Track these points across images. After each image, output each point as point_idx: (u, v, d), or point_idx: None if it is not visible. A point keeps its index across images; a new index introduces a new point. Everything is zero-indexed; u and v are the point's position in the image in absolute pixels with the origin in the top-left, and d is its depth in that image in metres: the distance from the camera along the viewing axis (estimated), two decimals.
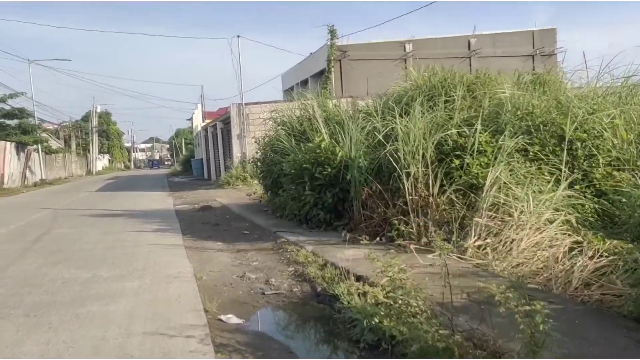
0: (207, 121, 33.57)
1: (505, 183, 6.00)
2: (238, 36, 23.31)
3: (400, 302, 3.33)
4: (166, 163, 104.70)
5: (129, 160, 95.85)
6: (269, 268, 6.44)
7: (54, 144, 47.07)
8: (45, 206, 16.43)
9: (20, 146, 35.14)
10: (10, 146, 33.43)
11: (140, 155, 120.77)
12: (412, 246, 5.72)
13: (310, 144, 8.69)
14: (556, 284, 4.53)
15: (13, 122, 36.56)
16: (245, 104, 20.92)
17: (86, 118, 66.80)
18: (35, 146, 37.20)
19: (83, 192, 23.60)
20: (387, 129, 7.73)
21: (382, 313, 3.45)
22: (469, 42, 33.01)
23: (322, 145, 8.48)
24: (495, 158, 6.38)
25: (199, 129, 35.47)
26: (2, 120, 35.40)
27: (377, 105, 8.81)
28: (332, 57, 25.09)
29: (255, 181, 19.23)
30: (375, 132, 8.28)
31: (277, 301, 5.20)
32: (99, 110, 69.82)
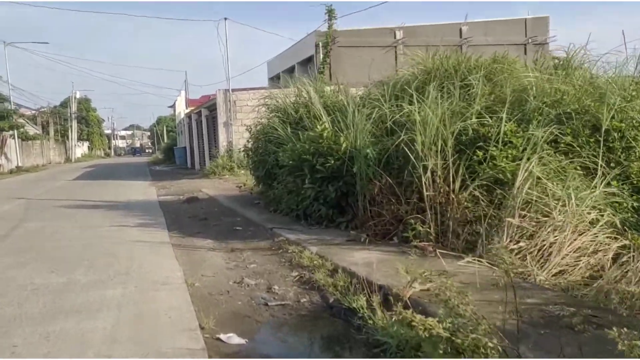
0: (191, 108, 32.50)
1: (538, 178, 5.33)
2: (225, 19, 22.35)
3: (469, 339, 2.60)
4: (147, 151, 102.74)
5: (109, 148, 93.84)
6: (270, 272, 5.69)
7: (32, 130, 45.50)
8: (19, 195, 15.42)
9: None
10: None
11: (121, 143, 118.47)
12: (437, 250, 5.02)
13: (311, 133, 7.94)
14: (614, 299, 3.88)
15: None
16: (233, 91, 20.03)
17: (65, 104, 64.93)
18: (11, 132, 35.78)
19: (60, 181, 22.52)
20: (398, 115, 7.01)
21: (436, 345, 2.73)
22: (460, 30, 32.42)
23: (325, 135, 7.73)
24: (524, 150, 5.71)
25: (182, 116, 34.38)
26: None
27: (384, 91, 8.07)
28: (330, 39, 24.07)
29: (243, 171, 18.44)
30: (382, 121, 7.58)
31: (283, 314, 4.46)
32: (78, 96, 67.91)
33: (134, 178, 22.81)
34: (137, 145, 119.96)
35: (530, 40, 31.37)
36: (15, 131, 35.91)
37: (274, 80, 38.00)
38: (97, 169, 34.86)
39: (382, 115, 7.58)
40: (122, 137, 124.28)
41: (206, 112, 23.34)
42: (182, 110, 36.36)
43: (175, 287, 5.08)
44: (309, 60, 33.42)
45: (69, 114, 62.20)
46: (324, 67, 21.69)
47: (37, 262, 6.26)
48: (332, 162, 7.43)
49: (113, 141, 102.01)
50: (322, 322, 4.29)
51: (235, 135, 19.94)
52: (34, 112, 53.71)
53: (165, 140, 70.85)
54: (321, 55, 30.89)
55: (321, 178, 7.59)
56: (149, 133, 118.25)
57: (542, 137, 5.71)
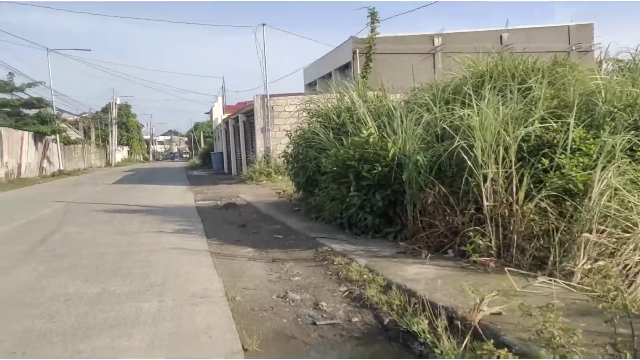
0: (228, 114, 32.56)
1: (617, 190, 4.77)
2: (263, 24, 22.13)
3: None
4: (184, 156, 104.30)
5: (148, 153, 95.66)
6: (316, 286, 5.29)
7: (73, 134, 46.59)
8: (59, 199, 15.51)
9: (38, 136, 34.53)
10: (27, 136, 32.81)
11: (159, 148, 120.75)
12: (504, 268, 4.51)
13: (356, 138, 7.52)
14: None
15: (31, 112, 36.02)
16: (270, 96, 19.81)
17: (106, 110, 66.49)
18: (53, 136, 36.60)
19: (100, 185, 22.74)
20: (451, 120, 6.53)
21: None
22: (501, 36, 31.65)
23: (371, 140, 7.30)
24: (597, 158, 5.16)
25: (219, 121, 34.48)
26: (20, 109, 34.80)
27: (434, 94, 7.60)
28: (372, 42, 23.49)
29: (280, 177, 18.17)
30: (432, 126, 7.12)
31: (334, 335, 4.04)
32: (118, 102, 69.47)
33: (171, 183, 22.85)
34: (175, 150, 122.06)
35: (574, 48, 30.31)
36: (57, 135, 36.70)
37: (311, 86, 37.85)
38: (136, 173, 35.29)
39: (432, 120, 7.14)
40: (161, 143, 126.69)
41: (243, 118, 23.22)
42: (219, 116, 36.51)
43: (215, 301, 4.72)
44: (346, 66, 33.12)
45: (109, 120, 63.57)
46: (366, 72, 21.23)
47: (71, 270, 6.02)
48: (379, 168, 7.00)
49: (151, 146, 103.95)
50: (377, 347, 3.85)
51: (273, 140, 19.70)
52: (76, 117, 55.07)
53: (202, 145, 71.65)
54: (358, 62, 30.59)
55: (367, 186, 7.16)
56: (186, 139, 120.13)
57: (619, 144, 5.15)
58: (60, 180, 29.17)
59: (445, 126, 6.68)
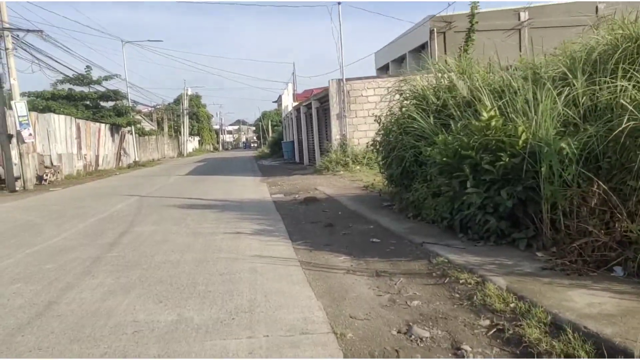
0: (299, 101, 31.65)
1: None
2: (339, 2, 20.81)
3: None
4: (253, 145, 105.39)
5: (217, 142, 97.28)
6: (445, 317, 4.03)
7: (147, 126, 47.50)
8: (133, 192, 15.07)
9: (115, 128, 35.14)
10: (104, 128, 33.41)
11: (228, 138, 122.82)
12: None
13: (475, 122, 6.14)
14: None
15: (108, 104, 36.72)
16: (346, 80, 18.56)
17: (178, 101, 67.77)
18: (129, 128, 37.21)
19: (173, 176, 22.45)
20: (607, 94, 5.07)
21: None
22: (596, 7, 28.77)
23: (493, 124, 5.92)
24: None
25: (289, 109, 33.67)
26: (97, 102, 35.52)
27: (571, 65, 6.10)
28: (475, 9, 21.32)
29: (358, 167, 16.98)
30: (570, 104, 5.66)
31: None
32: (189, 92, 70.59)
33: (243, 173, 22.21)
34: (244, 139, 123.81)
35: None
36: (133, 127, 37.27)
37: (382, 70, 36.26)
38: (207, 163, 35.23)
39: (574, 97, 5.68)
40: (229, 132, 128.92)
41: (317, 104, 22.14)
42: (289, 103, 35.74)
43: (320, 340, 3.58)
44: (422, 47, 31.34)
45: (181, 110, 64.67)
46: (467, 45, 19.45)
47: (142, 286, 5.08)
48: (505, 159, 5.62)
49: (221, 136, 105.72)
50: None
51: (349, 127, 18.49)
52: (150, 109, 56.28)
53: (270, 134, 71.65)
54: (436, 42, 28.76)
55: (490, 181, 5.80)
56: (254, 128, 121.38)
57: None
58: (135, 172, 29.42)
59: (596, 103, 5.23)
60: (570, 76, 5.91)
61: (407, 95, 8.88)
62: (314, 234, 7.63)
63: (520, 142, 5.56)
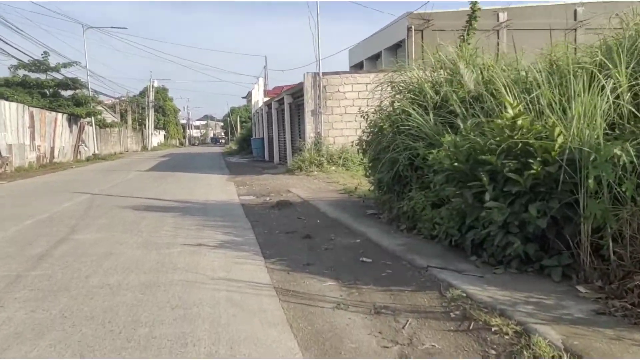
0: (271, 97, 30.31)
1: None
2: None
3: None
4: (221, 141, 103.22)
5: (184, 137, 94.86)
6: None
7: (110, 117, 45.30)
8: (85, 189, 13.52)
9: (73, 119, 33.08)
10: (61, 118, 31.36)
11: (195, 133, 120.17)
12: None
13: (497, 121, 5.00)
14: None
15: (67, 93, 34.58)
16: (323, 74, 17.35)
17: (143, 93, 65.39)
18: (88, 119, 35.13)
19: (133, 172, 20.84)
20: None
21: None
22: (575, 11, 28.50)
23: (520, 123, 4.80)
24: None
25: (260, 104, 32.26)
26: (54, 90, 33.32)
27: (612, 54, 5.04)
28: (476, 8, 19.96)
29: (334, 168, 15.82)
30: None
31: None
32: (156, 84, 68.30)
33: (209, 171, 20.77)
34: (211, 135, 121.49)
35: None
36: (93, 118, 35.22)
37: (356, 68, 35.22)
38: (172, 158, 33.54)
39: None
40: (197, 127, 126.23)
41: (290, 99, 20.85)
42: (259, 98, 34.29)
43: None
44: (398, 46, 30.45)
45: (146, 103, 62.38)
46: (469, 35, 18.43)
47: (64, 326, 3.76)
48: (537, 167, 4.50)
49: (187, 131, 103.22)
50: None
51: (325, 125, 17.29)
52: (114, 100, 53.94)
53: (239, 130, 69.99)
54: (413, 40, 27.90)
55: (515, 193, 4.68)
56: (222, 123, 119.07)
57: None
58: (93, 165, 27.59)
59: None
60: (611, 66, 4.86)
61: (401, 88, 7.73)
62: (290, 248, 6.40)
63: (557, 146, 4.45)
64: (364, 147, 8.36)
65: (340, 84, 17.25)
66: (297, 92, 19.36)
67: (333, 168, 16.10)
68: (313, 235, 7.10)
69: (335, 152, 16.76)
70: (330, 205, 9.63)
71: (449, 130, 6.37)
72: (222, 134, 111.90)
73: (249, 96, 56.85)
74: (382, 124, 7.41)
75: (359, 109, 17.66)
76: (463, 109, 6.40)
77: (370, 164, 8.04)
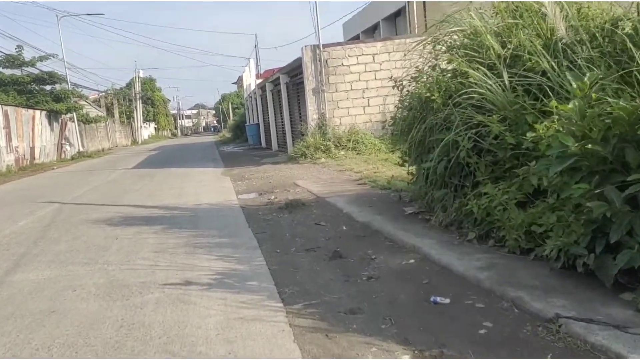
0: (263, 79, 28.13)
1: None
2: None
3: None
4: (213, 130, 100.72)
5: (175, 128, 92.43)
6: None
7: (94, 112, 42.93)
8: (56, 197, 11.50)
9: (53, 115, 30.81)
10: (40, 115, 29.10)
11: (186, 123, 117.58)
12: None
13: None
14: None
15: (47, 89, 32.27)
16: (323, 46, 15.22)
17: (130, 85, 62.78)
18: (70, 115, 32.85)
19: (118, 170, 18.78)
20: None
21: None
22: None
23: None
24: None
25: (252, 87, 30.07)
26: (31, 86, 31.00)
27: None
28: None
29: (343, 152, 13.80)
30: None
31: None
32: (142, 75, 65.66)
33: (201, 163, 18.72)
34: (203, 124, 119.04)
35: None
36: (75, 114, 32.93)
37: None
38: (162, 151, 31.43)
39: None
40: (188, 117, 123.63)
41: (286, 79, 18.73)
42: (251, 81, 32.08)
43: None
44: (397, 14, 28.28)
45: (133, 94, 59.87)
46: None
47: None
48: None
49: (179, 121, 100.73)
50: None
51: (329, 105, 15.22)
52: (99, 94, 51.51)
53: (232, 117, 67.68)
54: (415, 6, 25.74)
55: None
56: (213, 112, 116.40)
57: None
58: (76, 165, 25.50)
59: None
60: None
61: (453, 43, 5.65)
62: (317, 278, 4.44)
63: None
64: (401, 127, 6.25)
65: (344, 57, 15.15)
66: (294, 70, 17.24)
67: (342, 153, 14.09)
68: (344, 253, 5.14)
69: (343, 134, 14.73)
70: (352, 203, 7.65)
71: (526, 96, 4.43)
72: (215, 122, 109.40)
73: (239, 81, 54.42)
74: (428, 94, 5.36)
75: (366, 83, 15.72)
76: (552, 63, 4.42)
77: (411, 150, 6.00)
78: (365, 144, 14.25)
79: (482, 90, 4.86)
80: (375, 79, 15.27)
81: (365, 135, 14.63)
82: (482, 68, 5.09)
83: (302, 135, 15.85)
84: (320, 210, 7.51)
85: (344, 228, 6.29)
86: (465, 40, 5.46)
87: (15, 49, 30.45)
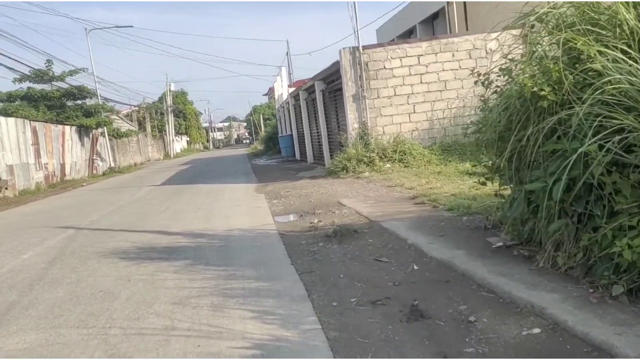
0: (296, 88, 26.93)
1: None
2: None
3: None
4: (245, 142, 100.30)
5: (207, 141, 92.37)
6: None
7: (126, 126, 42.53)
8: (73, 220, 10.40)
9: (84, 130, 30.29)
10: (70, 130, 28.57)
11: (218, 135, 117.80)
12: None
13: None
14: None
15: (77, 103, 31.85)
16: (363, 48, 13.85)
17: (162, 99, 62.67)
18: (101, 129, 32.32)
19: (145, 187, 17.74)
20: None
21: None
22: None
23: None
24: None
25: (285, 97, 28.90)
26: (62, 101, 30.58)
27: None
28: None
29: (389, 165, 12.36)
30: None
31: None
32: (173, 88, 65.58)
33: (233, 178, 17.52)
34: (235, 136, 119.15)
35: None
36: (105, 128, 32.37)
37: None
38: (193, 166, 30.51)
39: None
40: (220, 129, 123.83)
41: (321, 86, 17.41)
42: (283, 91, 30.93)
43: None
44: (435, 17, 26.81)
45: (165, 108, 59.68)
46: None
47: None
48: None
49: (211, 134, 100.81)
50: None
51: (370, 112, 13.81)
52: (132, 108, 51.37)
53: (263, 129, 66.90)
54: (455, 7, 24.29)
55: None
56: (245, 124, 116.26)
57: None
58: (106, 181, 24.71)
59: None
60: None
61: (560, 18, 4.13)
62: (399, 355, 3.03)
63: None
64: (489, 134, 4.72)
65: (386, 59, 13.73)
66: (330, 76, 15.91)
67: (388, 166, 12.64)
68: (426, 309, 3.74)
69: (388, 144, 13.28)
70: (417, 230, 6.21)
71: None
72: (246, 134, 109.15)
73: (270, 92, 53.55)
74: (535, 89, 3.88)
75: (411, 87, 14.26)
76: None
77: (502, 164, 4.50)
78: (414, 155, 12.78)
79: (619, 78, 3.39)
80: (421, 82, 13.81)
81: (413, 145, 13.16)
82: (610, 51, 3.64)
83: (342, 146, 14.47)
84: (378, 240, 6.09)
85: (415, 267, 4.85)
86: (587, 13, 3.96)
87: (45, 63, 30.12)
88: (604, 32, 3.82)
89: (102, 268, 6.03)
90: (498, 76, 4.65)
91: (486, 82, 4.79)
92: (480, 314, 3.57)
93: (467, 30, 23.29)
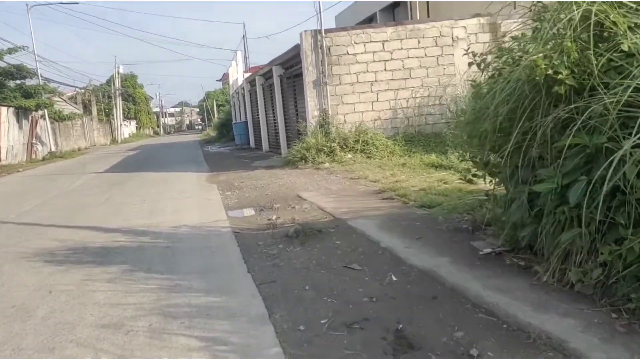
0: (252, 73, 25.86)
1: None
2: None
3: None
4: (197, 128, 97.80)
5: (158, 126, 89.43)
6: None
7: (69, 109, 40.20)
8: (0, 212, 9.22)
9: (22, 112, 28.24)
10: (7, 112, 26.53)
11: (169, 121, 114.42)
12: None
13: None
14: None
15: (15, 84, 29.65)
16: (325, 32, 13.05)
17: (110, 82, 59.86)
18: (41, 112, 30.25)
19: (86, 174, 16.42)
20: None
21: None
22: None
23: None
24: None
25: (240, 82, 27.73)
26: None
27: None
28: None
29: (350, 155, 11.68)
30: None
31: None
32: (122, 71, 62.82)
33: (183, 166, 16.44)
34: (187, 122, 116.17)
35: None
36: (46, 111, 30.33)
37: None
38: (141, 151, 29.00)
39: None
40: (171, 115, 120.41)
41: (279, 71, 16.51)
42: (238, 76, 29.73)
43: None
44: (396, 4, 26.27)
45: (112, 91, 57.03)
46: None
47: None
48: None
49: (162, 119, 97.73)
50: None
51: (332, 100, 13.06)
52: (77, 90, 48.70)
53: (216, 115, 65.13)
54: None
55: None
56: (197, 109, 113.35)
57: None
58: (45, 167, 23.00)
59: None
60: None
61: None
62: None
63: None
64: (498, 122, 3.96)
65: (349, 44, 13.00)
66: (290, 60, 15.04)
67: (349, 156, 11.96)
68: (415, 336, 3.06)
69: (350, 134, 12.59)
70: (389, 230, 5.53)
71: None
72: (199, 120, 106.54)
73: (224, 78, 51.93)
74: (550, 71, 3.22)
75: (375, 74, 13.58)
76: None
77: (504, 161, 3.83)
78: (376, 146, 12.14)
79: None
80: (385, 69, 13.16)
81: (376, 135, 12.51)
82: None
83: (300, 135, 13.69)
84: (346, 242, 5.37)
85: (394, 278, 4.16)
86: None
87: None
88: (634, 6, 3.20)
89: (20, 274, 5.06)
90: (496, 57, 3.97)
91: (482, 63, 4.09)
92: (482, 345, 2.90)
93: (427, 9, 22.93)
